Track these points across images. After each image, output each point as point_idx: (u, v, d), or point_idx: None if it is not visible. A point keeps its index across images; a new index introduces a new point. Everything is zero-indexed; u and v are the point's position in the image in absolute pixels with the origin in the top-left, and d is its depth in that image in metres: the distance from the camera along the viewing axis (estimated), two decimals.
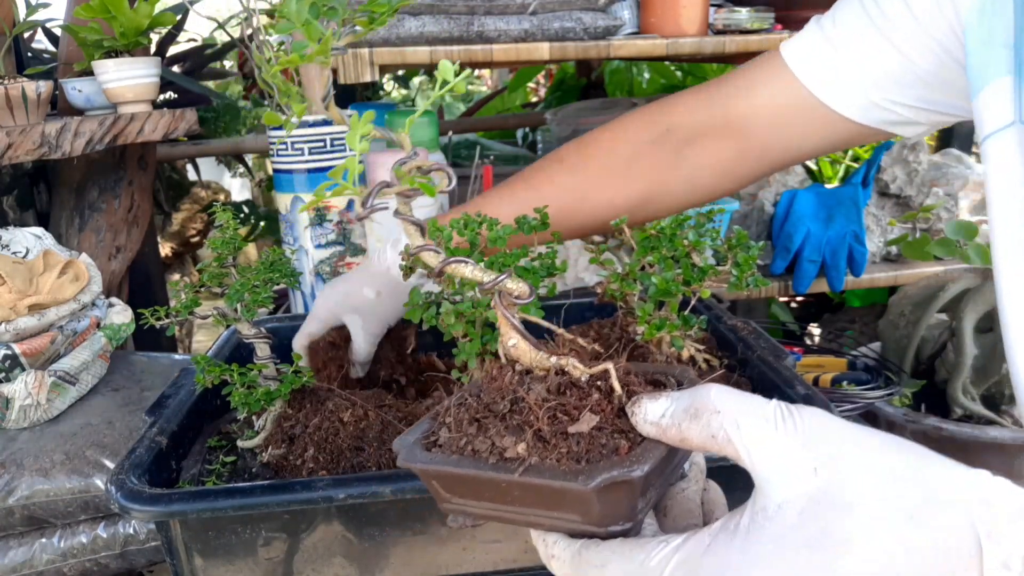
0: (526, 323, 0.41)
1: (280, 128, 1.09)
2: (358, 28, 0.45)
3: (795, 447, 0.32)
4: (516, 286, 0.40)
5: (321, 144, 1.09)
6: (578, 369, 0.38)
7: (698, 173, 0.80)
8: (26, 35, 1.80)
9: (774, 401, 0.34)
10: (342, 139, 1.11)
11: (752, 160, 0.79)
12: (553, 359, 0.38)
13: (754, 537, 0.32)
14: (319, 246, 1.12)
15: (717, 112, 0.79)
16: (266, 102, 2.02)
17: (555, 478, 0.34)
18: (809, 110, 0.73)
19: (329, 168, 1.10)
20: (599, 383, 0.37)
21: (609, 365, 0.37)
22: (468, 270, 0.41)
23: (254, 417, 0.75)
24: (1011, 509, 0.30)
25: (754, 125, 0.77)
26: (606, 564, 0.35)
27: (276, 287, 0.75)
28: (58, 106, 1.51)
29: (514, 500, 0.36)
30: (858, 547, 0.30)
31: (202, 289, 0.75)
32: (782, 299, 2.07)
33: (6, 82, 1.20)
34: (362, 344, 0.82)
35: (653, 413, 0.35)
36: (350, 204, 1.13)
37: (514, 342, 0.39)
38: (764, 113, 0.76)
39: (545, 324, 0.43)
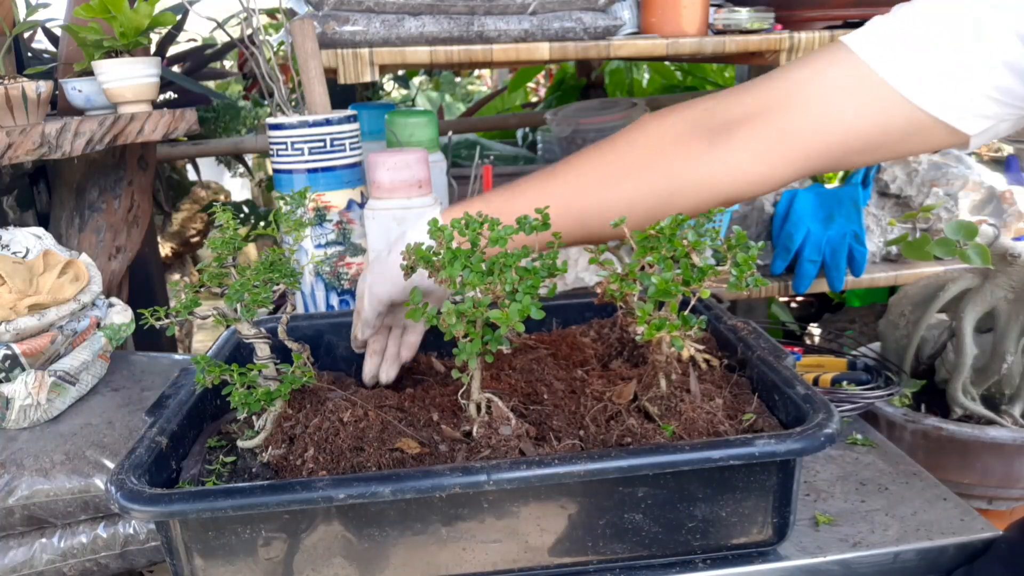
0: None
1: (280, 128, 1.09)
2: None
3: None
4: None
5: (321, 144, 1.09)
6: None
7: (732, 159, 0.73)
8: (26, 35, 1.80)
9: None
10: (342, 139, 1.11)
11: (795, 143, 0.72)
12: None
13: None
14: (319, 246, 1.12)
15: (760, 96, 0.73)
16: (266, 102, 2.01)
17: None
18: (867, 87, 0.68)
19: (329, 168, 1.10)
20: None
21: None
22: None
23: (254, 417, 0.75)
24: None
25: (802, 100, 0.71)
26: None
27: (276, 287, 0.75)
28: (58, 106, 1.51)
29: None
30: None
31: (202, 289, 0.75)
32: (782, 299, 2.07)
33: (6, 82, 1.20)
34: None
35: None
36: (350, 204, 1.13)
37: None
38: (815, 88, 0.70)
39: None
